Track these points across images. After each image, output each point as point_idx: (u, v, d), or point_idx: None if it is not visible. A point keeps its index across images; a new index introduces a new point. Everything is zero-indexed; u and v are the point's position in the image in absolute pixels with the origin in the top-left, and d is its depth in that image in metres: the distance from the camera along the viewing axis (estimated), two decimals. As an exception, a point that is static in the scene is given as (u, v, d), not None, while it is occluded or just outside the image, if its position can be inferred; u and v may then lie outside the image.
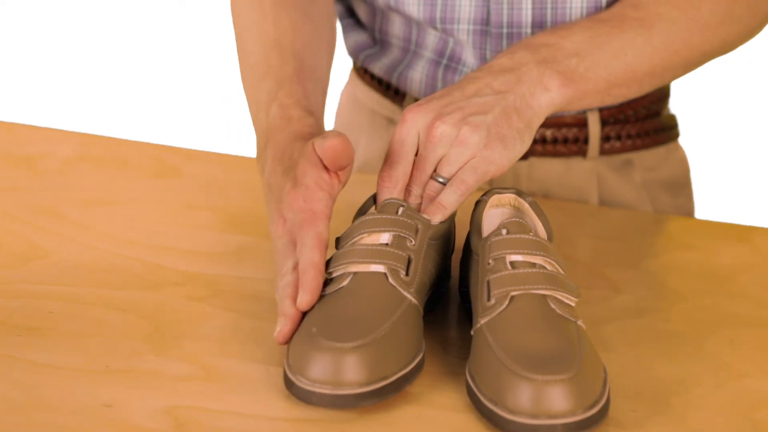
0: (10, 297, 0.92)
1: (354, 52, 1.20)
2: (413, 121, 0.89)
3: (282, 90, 0.96)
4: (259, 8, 1.04)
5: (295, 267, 0.86)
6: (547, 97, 0.92)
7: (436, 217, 0.88)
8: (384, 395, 0.79)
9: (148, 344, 0.87)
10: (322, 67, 1.03)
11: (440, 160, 0.89)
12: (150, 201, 1.08)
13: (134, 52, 3.17)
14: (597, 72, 0.94)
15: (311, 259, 0.84)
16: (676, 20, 0.98)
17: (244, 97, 1.03)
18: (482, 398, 0.79)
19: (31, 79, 3.09)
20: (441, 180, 0.89)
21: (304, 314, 0.84)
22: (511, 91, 0.90)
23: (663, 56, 0.98)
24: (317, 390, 0.78)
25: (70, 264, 0.97)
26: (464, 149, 0.88)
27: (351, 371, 0.78)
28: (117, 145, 1.20)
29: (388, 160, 0.89)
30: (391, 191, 0.89)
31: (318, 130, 0.93)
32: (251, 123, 1.00)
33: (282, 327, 0.83)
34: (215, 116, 2.89)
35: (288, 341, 0.83)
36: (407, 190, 0.90)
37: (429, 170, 0.89)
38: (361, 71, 1.22)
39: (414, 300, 0.84)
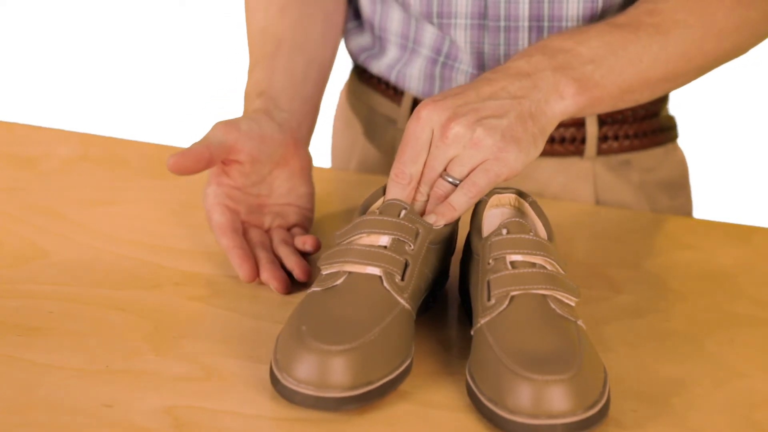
0: (10, 297, 0.92)
1: (355, 54, 1.20)
2: (428, 118, 0.88)
3: (250, 77, 1.05)
4: None
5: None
6: (562, 104, 0.91)
7: (444, 218, 0.87)
8: (368, 400, 0.79)
9: (148, 344, 0.87)
10: (311, 41, 1.09)
11: (451, 160, 0.88)
12: (150, 201, 1.08)
13: (134, 52, 3.17)
14: (612, 79, 0.94)
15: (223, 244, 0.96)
16: (692, 27, 0.98)
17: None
18: (482, 398, 0.79)
19: (31, 79, 3.09)
20: (451, 180, 0.88)
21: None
22: (527, 97, 0.90)
23: (677, 63, 0.98)
24: (301, 390, 0.78)
25: (70, 264, 0.97)
26: (477, 152, 0.87)
27: (336, 374, 0.78)
28: (117, 145, 1.20)
29: (401, 156, 0.88)
30: (404, 188, 0.88)
31: (263, 108, 1.01)
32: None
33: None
34: (215, 116, 2.88)
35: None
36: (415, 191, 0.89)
37: (439, 169, 0.89)
38: (361, 70, 1.22)
39: (407, 305, 0.84)
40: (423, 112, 0.88)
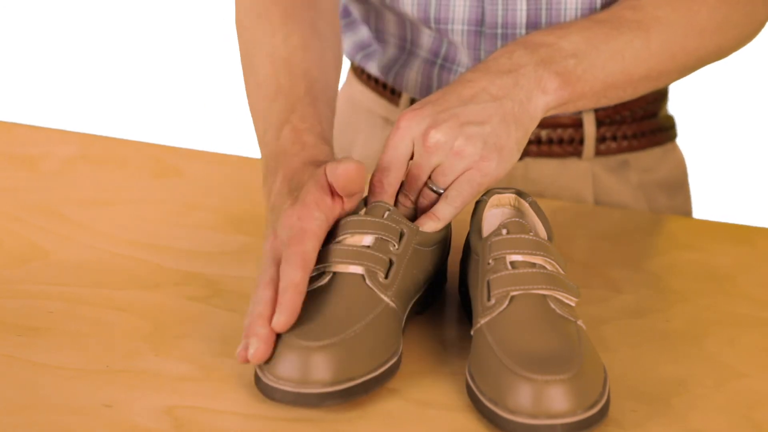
0: (10, 297, 0.92)
1: (351, 53, 1.20)
2: (407, 129, 0.88)
3: (295, 113, 0.94)
4: (267, 23, 1.01)
5: (272, 283, 0.83)
6: (544, 100, 0.91)
7: (429, 226, 0.88)
8: (350, 397, 0.79)
9: (148, 344, 0.87)
10: (331, 85, 1.00)
11: (435, 169, 0.88)
12: (150, 201, 1.08)
13: (134, 52, 3.17)
14: (594, 73, 0.94)
15: (292, 278, 0.81)
16: (674, 24, 0.98)
17: (250, 114, 1.00)
18: (482, 398, 0.79)
19: (31, 79, 3.09)
20: (435, 189, 0.88)
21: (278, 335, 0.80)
22: (509, 96, 0.89)
23: (660, 59, 0.98)
24: (281, 387, 0.78)
25: (70, 264, 0.97)
26: (459, 161, 0.87)
27: (316, 370, 0.78)
28: (117, 145, 1.20)
29: (380, 165, 0.88)
30: (382, 197, 0.88)
31: (331, 158, 0.91)
32: (257, 139, 0.97)
33: (255, 349, 0.79)
34: (215, 116, 2.89)
35: (261, 362, 0.80)
36: (402, 194, 0.89)
37: (423, 178, 0.88)
38: (359, 71, 1.22)
39: (391, 303, 0.83)
40: (402, 122, 0.88)
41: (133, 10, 3.29)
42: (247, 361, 0.80)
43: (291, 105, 0.95)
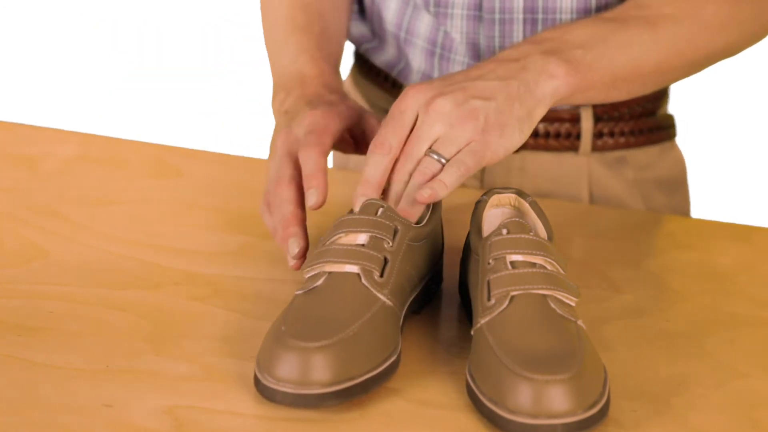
0: (10, 297, 0.92)
1: (356, 41, 1.20)
2: (414, 97, 0.88)
3: (312, 44, 1.04)
4: None
5: (293, 182, 0.91)
6: (552, 85, 0.91)
7: (435, 195, 0.86)
8: (350, 396, 0.79)
9: (148, 344, 0.87)
10: (342, 27, 1.11)
11: (437, 140, 0.88)
12: (150, 201, 1.08)
13: (134, 52, 3.17)
14: (603, 63, 0.94)
15: (318, 162, 0.90)
16: (681, 20, 0.99)
17: (266, 51, 1.11)
18: (482, 398, 0.79)
19: (31, 79, 3.09)
20: (437, 158, 0.88)
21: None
22: (516, 78, 0.90)
23: (668, 54, 0.98)
24: (280, 388, 0.78)
25: (70, 264, 0.97)
26: (462, 132, 0.87)
27: (315, 371, 0.78)
28: (117, 145, 1.20)
29: (383, 129, 0.88)
30: (384, 158, 0.88)
31: (341, 87, 1.01)
32: (271, 67, 1.08)
33: (299, 249, 0.89)
34: (215, 116, 2.88)
35: (303, 257, 0.88)
36: (398, 166, 0.88)
37: (423, 146, 0.88)
38: (362, 61, 1.22)
39: (388, 302, 0.84)
40: (410, 92, 0.89)
41: (134, 10, 3.29)
42: (299, 268, 0.88)
43: (308, 38, 1.05)
